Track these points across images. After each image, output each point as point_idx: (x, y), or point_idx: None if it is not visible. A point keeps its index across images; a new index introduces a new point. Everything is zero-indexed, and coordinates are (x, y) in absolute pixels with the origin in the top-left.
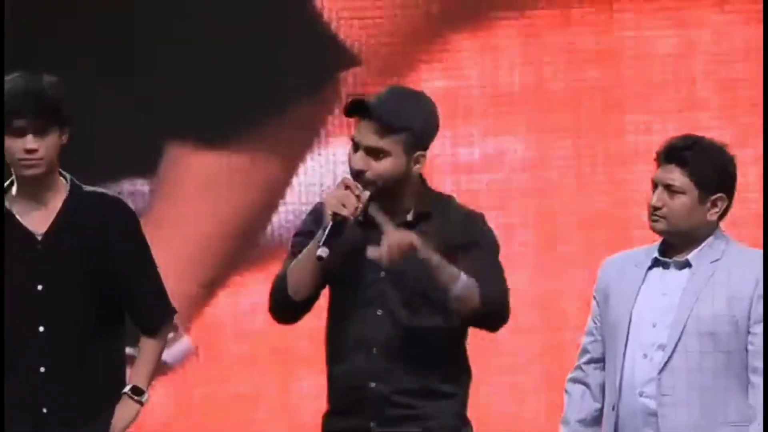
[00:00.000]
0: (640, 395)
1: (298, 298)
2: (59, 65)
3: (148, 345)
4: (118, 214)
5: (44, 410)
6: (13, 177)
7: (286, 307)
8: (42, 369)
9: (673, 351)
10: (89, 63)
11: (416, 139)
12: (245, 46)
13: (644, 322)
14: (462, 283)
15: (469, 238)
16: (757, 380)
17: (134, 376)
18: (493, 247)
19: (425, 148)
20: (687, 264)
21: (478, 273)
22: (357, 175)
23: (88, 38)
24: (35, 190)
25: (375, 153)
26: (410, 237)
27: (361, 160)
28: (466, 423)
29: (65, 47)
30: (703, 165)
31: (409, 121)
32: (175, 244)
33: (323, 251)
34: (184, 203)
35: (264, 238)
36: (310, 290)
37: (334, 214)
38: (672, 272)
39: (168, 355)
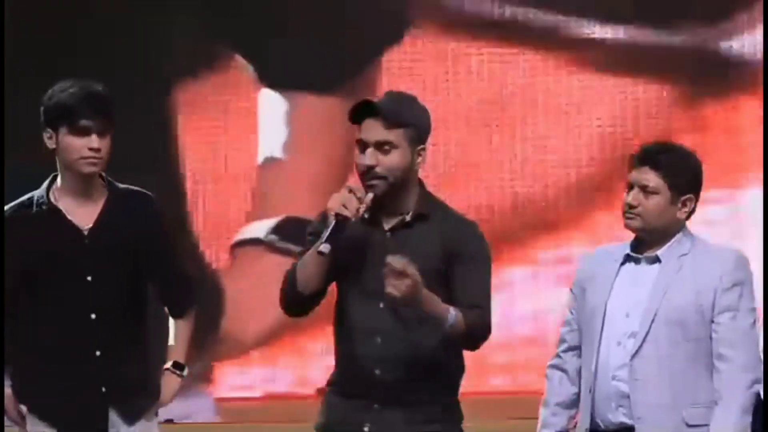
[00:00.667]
0: (614, 379)
1: (307, 292)
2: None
3: (180, 325)
4: (148, 209)
5: (103, 389)
6: (57, 174)
7: (295, 301)
8: (98, 353)
9: (644, 339)
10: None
11: (418, 133)
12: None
13: (618, 312)
14: (450, 322)
15: (465, 249)
16: (722, 366)
17: (173, 352)
18: (486, 262)
19: (424, 144)
20: (657, 259)
21: (468, 290)
22: (367, 170)
23: None
24: (82, 187)
25: (383, 147)
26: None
27: (370, 156)
28: (459, 409)
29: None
30: (676, 168)
31: (412, 117)
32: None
33: (325, 247)
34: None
35: None
36: (317, 285)
37: (336, 214)
38: (643, 267)
39: None
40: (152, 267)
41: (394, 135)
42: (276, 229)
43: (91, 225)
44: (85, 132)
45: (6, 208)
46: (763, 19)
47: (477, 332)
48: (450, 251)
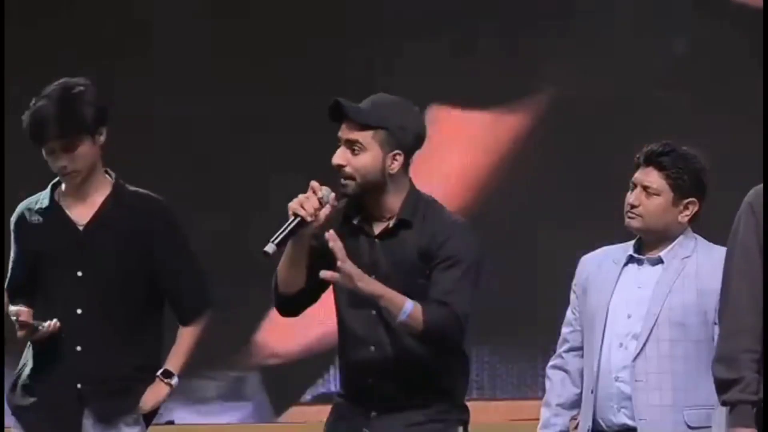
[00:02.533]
0: (616, 380)
1: (287, 293)
2: None
3: (184, 333)
4: (159, 214)
5: (79, 386)
6: None
7: (282, 301)
8: (78, 348)
9: (646, 340)
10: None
11: (392, 137)
12: None
13: (620, 313)
14: (406, 313)
15: (442, 250)
16: None
17: (169, 360)
18: (465, 261)
19: (404, 150)
20: (659, 261)
21: (438, 287)
22: (338, 169)
23: None
24: (80, 187)
25: (352, 146)
26: (354, 276)
27: (340, 154)
28: (463, 410)
29: None
30: (679, 170)
31: (384, 120)
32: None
33: (270, 247)
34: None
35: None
36: (294, 288)
37: (294, 214)
38: (646, 268)
39: None
40: (158, 271)
41: (362, 136)
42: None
43: (86, 221)
44: (51, 152)
45: (18, 207)
46: (763, 19)
47: (436, 328)
48: (428, 253)
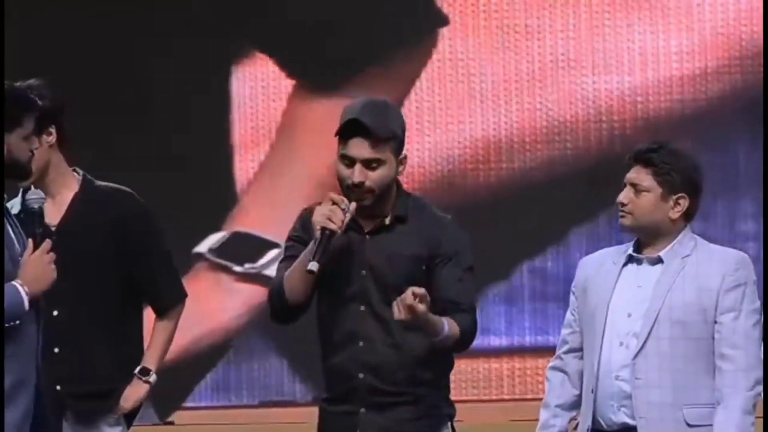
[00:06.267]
0: (616, 379)
1: (294, 303)
2: None
3: (160, 327)
4: (129, 207)
5: (57, 387)
6: None
7: (284, 311)
8: (56, 350)
9: (647, 338)
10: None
11: (399, 143)
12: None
13: (620, 312)
14: (444, 333)
15: (445, 249)
16: (724, 366)
17: (145, 357)
18: (467, 260)
19: (403, 150)
20: (659, 260)
21: (459, 293)
22: (357, 186)
23: None
24: (46, 188)
25: (370, 164)
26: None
27: (359, 173)
28: (449, 404)
29: None
30: (667, 166)
31: (394, 129)
32: (288, 186)
33: (313, 266)
34: (299, 147)
35: None
36: (305, 296)
37: (323, 229)
38: (645, 267)
39: None
40: (132, 265)
41: (381, 152)
42: (220, 244)
43: (57, 221)
44: None
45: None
46: (763, 19)
47: (468, 336)
48: (431, 252)
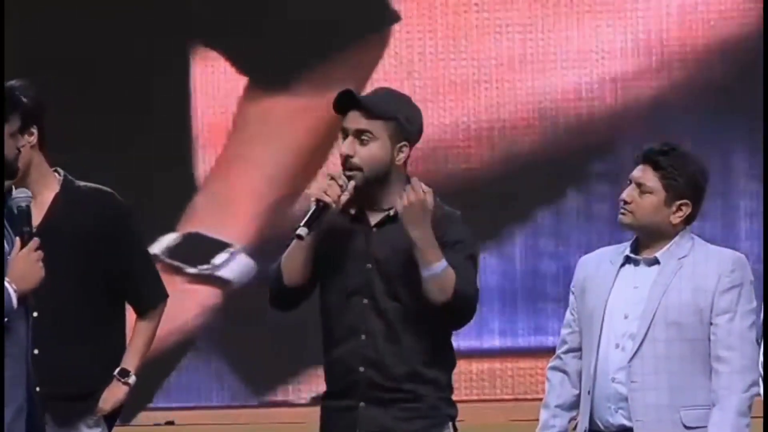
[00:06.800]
0: (613, 381)
1: (292, 285)
2: None
3: (140, 328)
4: (110, 207)
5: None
6: None
7: (282, 295)
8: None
9: (643, 340)
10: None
11: (401, 129)
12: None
13: (617, 313)
14: (443, 265)
15: (453, 237)
16: (720, 368)
17: (125, 358)
18: (469, 249)
19: (410, 142)
20: (656, 261)
21: (458, 272)
22: (345, 159)
23: None
24: (27, 188)
25: (361, 136)
26: (428, 199)
27: (349, 144)
28: (450, 405)
29: None
30: (675, 171)
31: (394, 112)
32: (240, 185)
33: (302, 230)
34: (252, 146)
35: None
36: (302, 278)
37: (317, 200)
38: (642, 268)
39: (230, 272)
40: (113, 265)
41: (373, 125)
42: (173, 245)
43: (38, 223)
44: None
45: None
46: (763, 18)
47: (465, 302)
48: (438, 241)
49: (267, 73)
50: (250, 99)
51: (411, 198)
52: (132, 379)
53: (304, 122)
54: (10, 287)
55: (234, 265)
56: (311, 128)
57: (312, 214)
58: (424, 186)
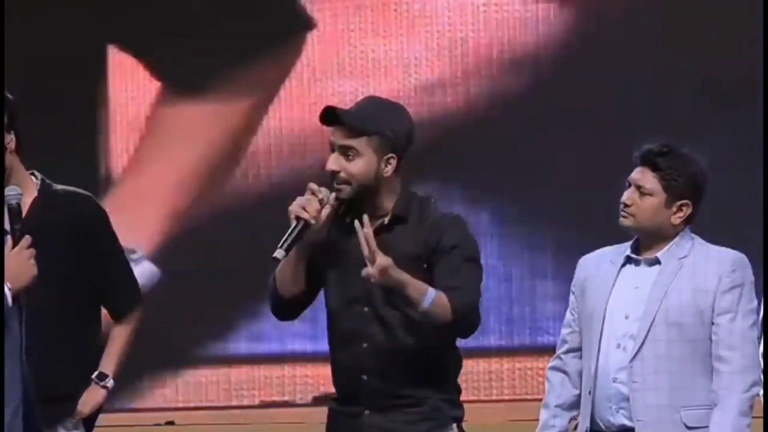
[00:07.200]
0: (614, 381)
1: (288, 296)
2: None
3: (117, 331)
4: (88, 211)
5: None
6: None
7: (279, 305)
8: None
9: (644, 341)
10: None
11: (386, 142)
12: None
13: (618, 314)
14: (431, 298)
15: (444, 243)
16: (721, 368)
17: (103, 362)
18: (467, 251)
19: (397, 153)
20: (656, 261)
21: (455, 278)
22: (332, 175)
23: None
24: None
25: (346, 152)
26: (385, 262)
27: (334, 160)
28: (455, 406)
29: None
30: (674, 172)
31: (379, 126)
32: (149, 189)
33: (279, 253)
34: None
35: (232, 180)
36: (296, 289)
37: (296, 218)
38: (643, 269)
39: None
40: (91, 267)
41: (356, 142)
42: None
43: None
44: None
45: None
46: (763, 19)
47: (465, 317)
48: (430, 248)
49: (181, 77)
50: (162, 102)
51: (368, 271)
52: (110, 383)
53: (216, 127)
54: (5, 286)
55: (137, 271)
56: (223, 133)
57: (291, 231)
58: (361, 228)
